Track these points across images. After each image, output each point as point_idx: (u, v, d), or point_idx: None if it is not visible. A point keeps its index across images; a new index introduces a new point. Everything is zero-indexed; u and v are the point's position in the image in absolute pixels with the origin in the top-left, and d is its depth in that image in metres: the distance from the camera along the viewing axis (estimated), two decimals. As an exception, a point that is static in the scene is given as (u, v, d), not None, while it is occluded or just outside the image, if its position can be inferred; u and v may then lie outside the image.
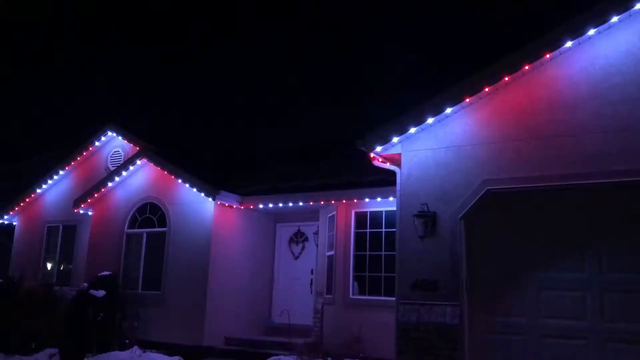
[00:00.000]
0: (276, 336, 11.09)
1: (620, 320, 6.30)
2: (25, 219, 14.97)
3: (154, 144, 12.95)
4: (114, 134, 14.06)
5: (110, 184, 12.60)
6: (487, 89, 7.13)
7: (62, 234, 14.26)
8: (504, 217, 7.11)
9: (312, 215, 11.78)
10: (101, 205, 12.83)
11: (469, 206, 7.10)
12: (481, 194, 7.05)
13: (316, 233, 11.81)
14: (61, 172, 14.53)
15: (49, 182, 14.59)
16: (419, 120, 7.45)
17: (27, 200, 14.80)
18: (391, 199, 9.62)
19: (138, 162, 12.26)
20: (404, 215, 7.52)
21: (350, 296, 10.17)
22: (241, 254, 11.84)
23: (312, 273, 11.93)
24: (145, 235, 12.08)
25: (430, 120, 7.43)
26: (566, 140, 6.71)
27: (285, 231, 12.69)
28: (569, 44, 6.73)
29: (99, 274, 11.57)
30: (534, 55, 6.86)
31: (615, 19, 6.56)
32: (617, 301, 6.37)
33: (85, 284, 11.33)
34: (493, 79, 7.06)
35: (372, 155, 7.95)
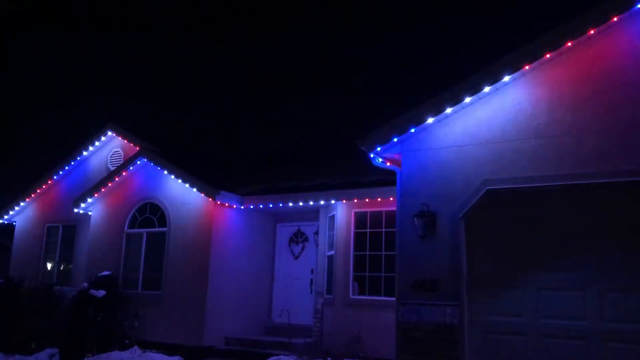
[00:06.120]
0: (276, 336, 11.10)
1: (620, 320, 6.30)
2: (25, 219, 14.97)
3: (154, 144, 12.95)
4: (114, 134, 14.06)
5: (110, 184, 12.61)
6: (487, 89, 7.13)
7: (62, 234, 14.26)
8: (504, 217, 7.11)
9: (312, 215, 11.79)
10: (101, 205, 12.83)
11: (469, 206, 7.09)
12: (481, 193, 7.05)
13: (316, 233, 11.82)
14: (61, 172, 14.54)
15: (49, 182, 14.59)
16: (419, 120, 7.45)
17: (27, 200, 14.80)
18: (391, 199, 9.63)
19: (138, 162, 12.27)
20: (404, 215, 7.51)
21: (350, 296, 10.18)
22: (241, 253, 11.84)
23: (312, 273, 11.94)
24: (145, 235, 12.09)
25: (430, 120, 7.43)
26: (566, 140, 6.71)
27: (285, 231, 12.69)
28: (569, 44, 6.72)
29: (99, 274, 11.59)
30: (534, 55, 6.85)
31: (615, 18, 6.55)
32: (617, 301, 6.36)
33: (85, 284, 11.35)
34: (493, 79, 7.05)
35: (372, 155, 7.95)
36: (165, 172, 11.88)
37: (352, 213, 10.46)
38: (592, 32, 6.64)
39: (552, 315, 6.64)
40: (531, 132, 6.93)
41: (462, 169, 7.24)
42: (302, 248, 12.40)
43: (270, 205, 11.45)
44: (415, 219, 7.26)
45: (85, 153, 14.36)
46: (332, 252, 10.71)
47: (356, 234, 10.39)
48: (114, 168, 13.28)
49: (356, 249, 10.33)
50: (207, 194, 11.14)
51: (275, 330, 11.69)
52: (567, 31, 6.66)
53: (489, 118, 7.24)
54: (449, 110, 7.33)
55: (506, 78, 7.03)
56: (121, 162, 13.37)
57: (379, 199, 10.05)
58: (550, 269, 6.74)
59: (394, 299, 7.81)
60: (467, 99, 7.21)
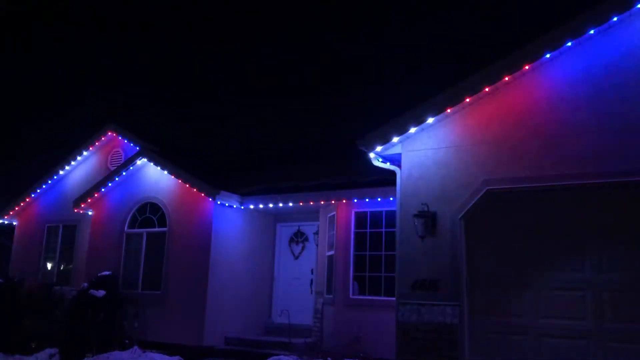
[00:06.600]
0: (276, 336, 11.10)
1: (621, 320, 6.30)
2: (25, 219, 14.97)
3: (154, 144, 12.96)
4: (114, 134, 14.07)
5: (110, 184, 12.61)
6: (487, 89, 7.13)
7: (62, 234, 14.25)
8: (504, 217, 7.11)
9: (312, 215, 11.79)
10: (101, 205, 12.83)
11: (469, 206, 7.10)
12: (481, 194, 7.05)
13: (316, 233, 11.82)
14: (61, 172, 14.54)
15: (49, 182, 14.59)
16: (419, 120, 7.45)
17: (27, 200, 14.80)
18: (391, 199, 9.63)
19: (138, 162, 12.26)
20: (404, 215, 7.52)
21: (350, 296, 10.17)
22: (241, 253, 11.84)
23: (312, 273, 11.94)
24: (145, 235, 12.08)
25: (430, 120, 7.44)
26: (566, 140, 6.71)
27: (285, 231, 12.69)
28: (569, 44, 6.73)
29: (99, 274, 11.58)
30: (534, 55, 6.86)
31: (615, 19, 6.56)
32: (617, 301, 6.36)
33: (85, 284, 11.35)
34: (493, 79, 7.06)
35: (372, 155, 7.96)
36: (166, 172, 11.88)
37: (352, 213, 10.46)
38: (592, 32, 6.64)
39: (552, 315, 6.65)
40: (531, 132, 6.94)
41: (462, 169, 7.25)
42: (302, 248, 12.40)
43: (270, 205, 11.45)
44: (415, 219, 7.27)
45: (85, 153, 14.35)
46: (332, 252, 10.71)
47: (356, 234, 10.39)
48: (114, 168, 13.27)
49: (356, 249, 10.33)
50: (207, 194, 11.14)
51: (275, 330, 11.69)
52: (567, 31, 6.67)
53: (489, 118, 7.25)
54: (449, 110, 7.33)
55: (506, 78, 7.04)
56: (121, 162, 13.37)
57: (379, 199, 10.05)
58: (550, 269, 6.75)
59: (394, 299, 7.81)
60: (467, 99, 7.21)
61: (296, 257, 12.45)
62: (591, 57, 6.80)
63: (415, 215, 7.28)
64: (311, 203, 10.90)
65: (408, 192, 7.56)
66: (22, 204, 14.88)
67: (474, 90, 7.14)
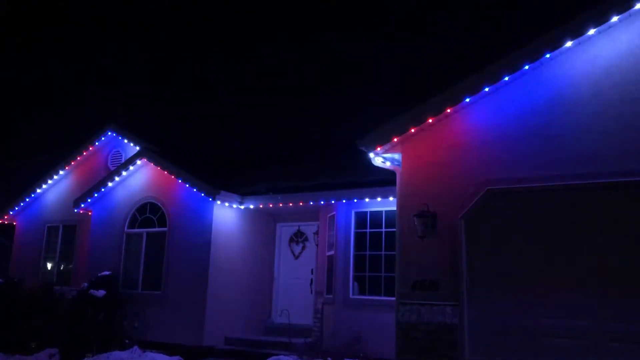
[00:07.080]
0: (276, 336, 11.10)
1: (621, 320, 6.29)
2: (25, 219, 14.98)
3: (155, 144, 12.97)
4: (115, 134, 14.08)
5: (110, 184, 12.61)
6: (487, 89, 7.13)
7: (62, 234, 14.27)
8: (504, 217, 7.11)
9: (312, 215, 11.79)
10: (101, 205, 12.83)
11: (469, 206, 7.10)
12: (481, 194, 7.05)
13: (316, 233, 11.82)
14: (61, 172, 14.55)
15: (49, 182, 14.60)
16: (419, 121, 7.45)
17: (27, 200, 14.81)
18: (391, 199, 9.63)
19: (138, 162, 12.27)
20: (404, 215, 7.52)
21: (350, 296, 10.18)
22: (241, 254, 11.84)
23: (312, 273, 11.94)
24: (145, 235, 12.09)
25: (430, 120, 7.44)
26: (566, 140, 6.71)
27: (285, 231, 12.69)
28: (569, 43, 6.73)
29: (99, 274, 11.59)
30: (535, 55, 6.86)
31: (615, 19, 6.56)
32: (617, 301, 6.36)
33: (85, 284, 11.35)
34: (493, 79, 7.06)
35: (372, 155, 7.96)
36: (166, 172, 11.88)
37: (352, 213, 10.47)
38: (592, 32, 6.64)
39: (552, 315, 6.64)
40: (531, 132, 6.93)
41: (462, 169, 7.24)
42: (302, 248, 12.41)
43: (270, 205, 11.45)
44: (415, 219, 7.27)
45: (85, 153, 14.37)
46: (332, 252, 10.72)
47: (356, 234, 10.39)
48: (114, 168, 13.28)
49: (356, 249, 10.33)
50: (207, 194, 11.14)
51: (275, 330, 11.69)
52: (567, 31, 6.67)
53: (489, 118, 7.25)
54: (448, 110, 7.34)
55: (506, 78, 7.04)
56: (121, 162, 13.37)
57: (379, 199, 10.05)
58: (550, 268, 6.74)
59: (394, 299, 7.81)
60: (467, 99, 7.21)
61: (296, 257, 12.45)
62: (591, 57, 6.80)
63: (415, 215, 7.28)
64: (311, 203, 10.91)
65: (408, 192, 7.56)
66: (22, 204, 14.89)
67: (474, 90, 7.14)
